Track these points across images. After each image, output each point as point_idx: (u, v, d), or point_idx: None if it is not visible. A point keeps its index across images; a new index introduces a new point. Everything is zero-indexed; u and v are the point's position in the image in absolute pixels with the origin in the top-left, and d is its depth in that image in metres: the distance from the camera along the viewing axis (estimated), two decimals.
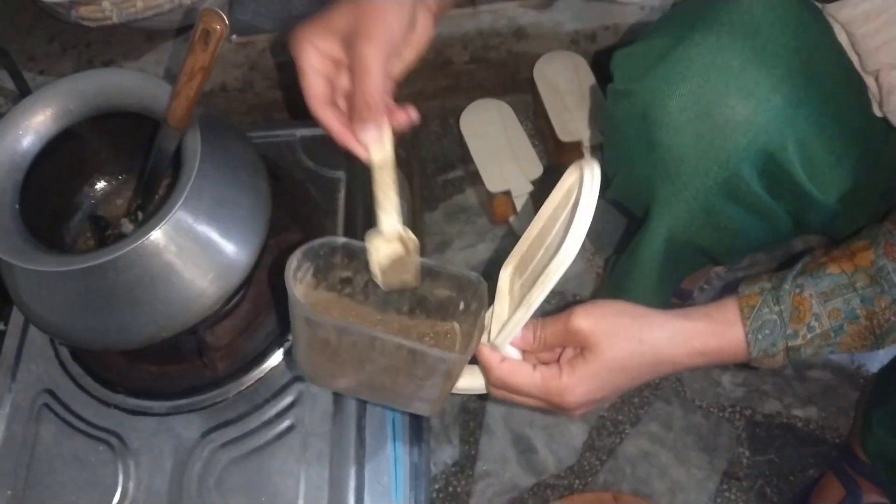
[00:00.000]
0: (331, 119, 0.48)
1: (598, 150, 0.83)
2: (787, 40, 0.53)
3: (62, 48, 0.99)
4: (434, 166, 0.97)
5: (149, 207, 0.65)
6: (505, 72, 0.94)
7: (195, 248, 0.59)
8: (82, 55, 0.98)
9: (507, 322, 0.48)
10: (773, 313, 0.47)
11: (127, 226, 0.66)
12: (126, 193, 0.71)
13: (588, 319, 0.47)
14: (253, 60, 0.93)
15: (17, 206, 0.59)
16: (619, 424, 0.82)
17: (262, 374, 0.70)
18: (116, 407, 0.69)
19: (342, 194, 0.79)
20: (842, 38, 0.56)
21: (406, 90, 0.97)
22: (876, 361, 0.86)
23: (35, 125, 0.60)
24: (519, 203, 0.82)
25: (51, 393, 0.71)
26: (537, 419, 0.81)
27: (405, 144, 0.97)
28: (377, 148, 0.49)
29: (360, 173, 0.80)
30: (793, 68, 0.52)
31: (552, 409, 0.50)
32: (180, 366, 0.69)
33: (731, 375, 0.85)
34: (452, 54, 0.92)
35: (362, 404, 0.68)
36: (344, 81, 0.49)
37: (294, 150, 0.82)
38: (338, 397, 0.68)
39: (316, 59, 0.48)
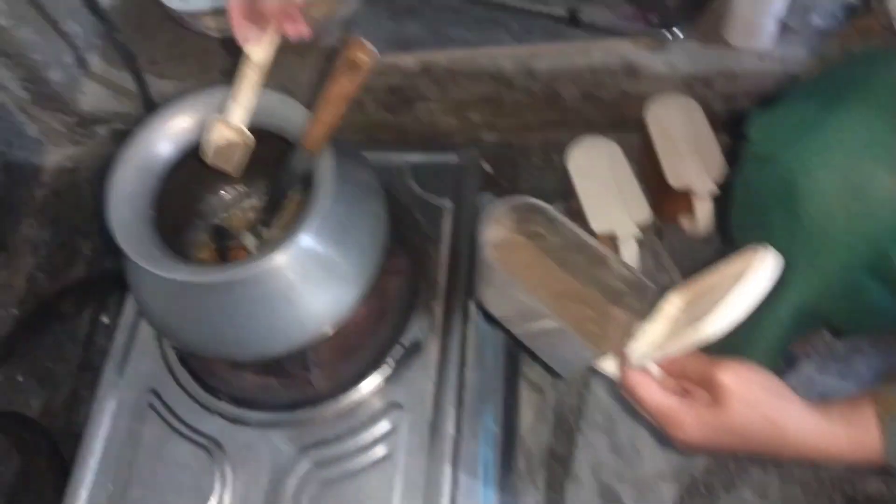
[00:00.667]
0: (235, 7, 0.54)
1: (709, 201, 0.81)
2: None
3: (183, 54, 1.02)
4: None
5: (271, 224, 0.67)
6: (614, 110, 0.93)
7: (318, 270, 0.60)
8: (201, 61, 1.01)
9: (657, 342, 0.51)
10: None
11: (249, 239, 0.68)
12: (246, 204, 0.73)
13: (733, 379, 0.47)
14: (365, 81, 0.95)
15: (151, 212, 0.61)
16: (713, 488, 0.80)
17: (360, 397, 0.71)
18: (219, 414, 0.71)
19: (448, 222, 0.80)
20: None
21: (511, 121, 0.97)
22: None
23: (174, 133, 0.62)
24: (623, 246, 0.81)
25: (156, 393, 0.73)
26: (627, 473, 0.80)
27: (506, 175, 0.98)
28: (257, 48, 0.57)
29: (468, 203, 0.81)
30: None
31: (661, 428, 0.51)
32: (284, 379, 0.70)
33: None
34: (561, 89, 0.92)
35: (457, 442, 0.68)
36: None
37: (403, 174, 0.83)
38: (433, 430, 0.68)
39: None
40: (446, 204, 0.81)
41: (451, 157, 0.84)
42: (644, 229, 0.83)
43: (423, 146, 0.86)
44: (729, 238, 0.73)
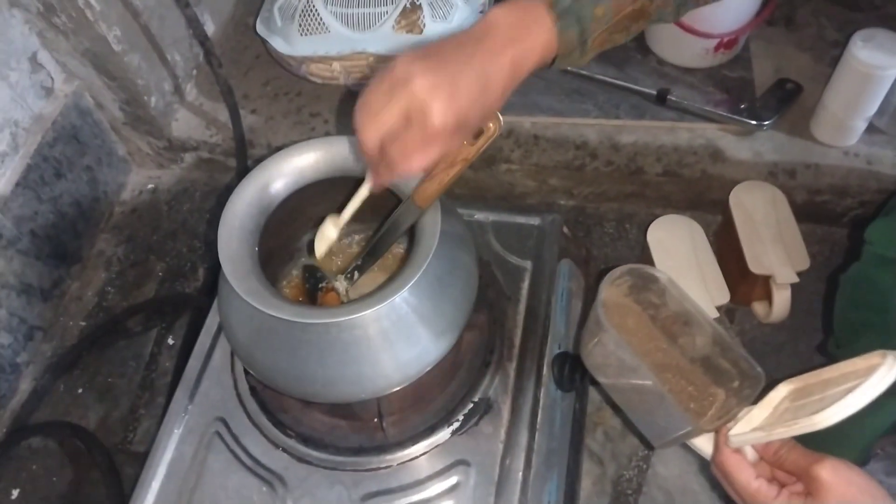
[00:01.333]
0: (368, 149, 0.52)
1: (788, 289, 0.81)
2: None
3: (275, 93, 1.06)
4: (604, 266, 0.97)
5: (367, 270, 0.68)
6: (694, 190, 0.94)
7: (410, 323, 0.60)
8: (293, 102, 1.04)
9: (759, 427, 0.51)
10: None
11: (340, 284, 0.69)
12: (338, 248, 0.75)
13: (832, 475, 0.47)
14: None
15: (256, 249, 0.62)
16: None
17: (428, 449, 0.70)
18: (285, 450, 0.71)
19: (526, 283, 0.80)
20: None
21: (589, 189, 0.99)
22: None
23: (290, 173, 0.64)
24: None
25: (224, 422, 0.74)
26: None
27: (582, 241, 0.99)
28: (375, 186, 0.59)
29: (547, 266, 0.81)
30: None
31: None
32: (354, 423, 0.71)
33: None
34: (645, 164, 0.94)
35: (522, 502, 0.67)
36: None
37: (485, 232, 0.84)
38: (499, 491, 0.67)
39: None
40: (526, 265, 0.81)
41: (533, 219, 0.85)
42: (719, 310, 0.83)
43: (505, 207, 0.88)
44: (829, 328, 0.72)
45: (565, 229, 0.88)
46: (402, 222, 0.62)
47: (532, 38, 0.53)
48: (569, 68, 0.99)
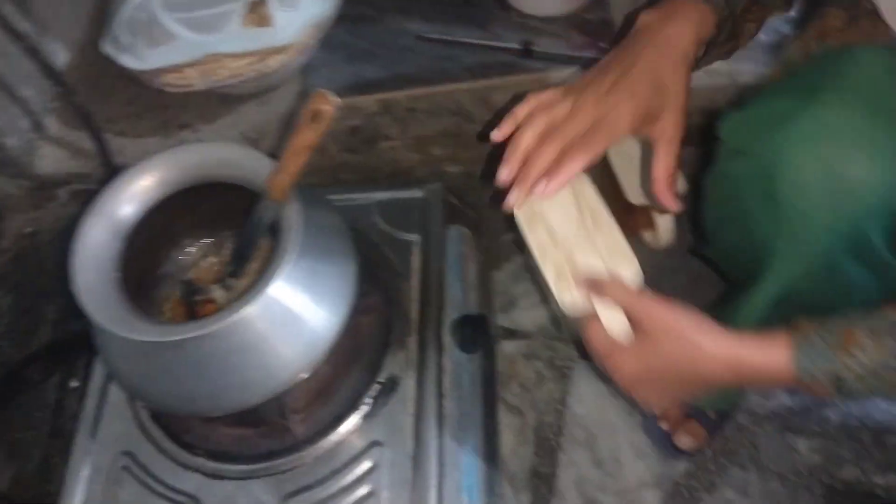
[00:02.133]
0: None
1: (670, 213, 0.83)
2: None
3: (139, 111, 1.02)
4: (499, 227, 0.98)
5: (240, 275, 0.67)
6: None
7: (288, 318, 0.60)
8: (159, 117, 1.01)
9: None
10: (820, 339, 0.49)
11: (218, 292, 0.67)
12: (213, 256, 0.73)
13: (658, 311, 0.53)
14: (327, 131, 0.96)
15: (117, 274, 0.60)
16: (694, 491, 0.80)
17: (340, 439, 0.70)
18: (196, 470, 0.70)
19: (416, 256, 0.81)
20: None
21: (473, 153, 0.99)
22: None
23: (137, 194, 0.62)
24: None
25: (130, 455, 0.72)
26: (610, 485, 0.80)
27: (471, 205, 0.99)
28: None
29: (435, 236, 0.81)
30: None
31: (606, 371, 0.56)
32: (260, 429, 0.70)
33: (807, 440, 0.83)
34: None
35: (440, 474, 0.68)
36: None
37: (370, 212, 0.84)
38: (416, 464, 0.68)
39: None
40: (414, 238, 0.82)
41: (415, 192, 0.85)
42: None
43: (388, 183, 0.88)
44: (702, 235, 0.75)
45: (451, 196, 0.89)
46: (263, 219, 0.61)
47: (682, 21, 0.57)
48: (433, 35, 0.99)
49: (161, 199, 0.63)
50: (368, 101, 0.97)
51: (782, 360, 0.50)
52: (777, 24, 0.91)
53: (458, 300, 0.79)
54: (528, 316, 0.91)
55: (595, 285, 0.56)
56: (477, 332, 0.77)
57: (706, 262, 0.90)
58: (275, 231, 0.60)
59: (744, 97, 0.64)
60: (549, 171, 0.56)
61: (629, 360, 0.54)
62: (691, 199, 0.74)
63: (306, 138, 0.57)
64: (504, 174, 0.57)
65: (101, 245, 0.60)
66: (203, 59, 0.87)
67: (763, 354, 0.51)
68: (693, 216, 0.77)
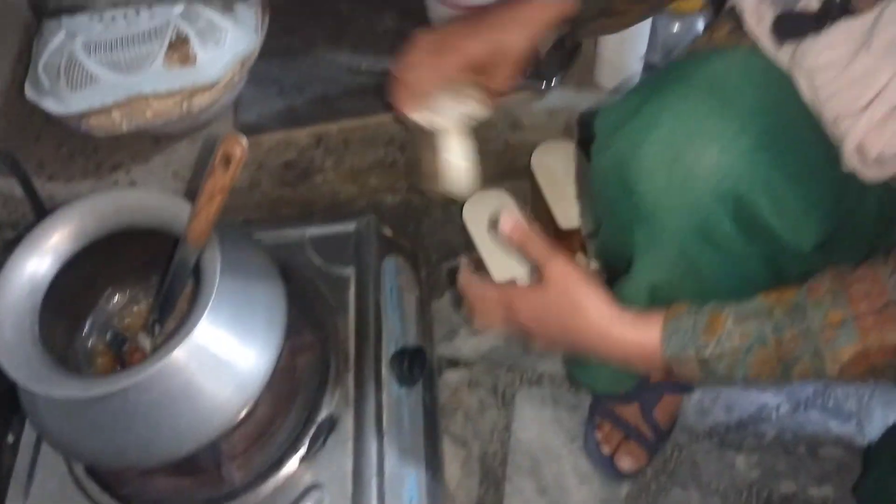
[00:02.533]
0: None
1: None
2: (752, 93, 0.57)
3: (70, 153, 1.01)
4: (438, 254, 0.98)
5: (166, 321, 0.66)
6: (502, 162, 0.97)
7: (215, 362, 0.59)
8: (90, 160, 0.99)
9: None
10: (689, 321, 0.52)
11: (144, 340, 0.66)
12: (140, 304, 0.72)
13: (557, 268, 0.57)
14: (260, 160, 0.96)
15: (36, 329, 0.59)
16: None
17: (278, 483, 0.69)
18: None
19: (352, 291, 0.80)
20: (805, 89, 0.59)
21: (409, 182, 1.00)
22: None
23: (54, 246, 0.61)
24: None
25: None
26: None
27: (410, 234, 0.99)
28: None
29: (369, 269, 0.81)
30: (757, 118, 0.56)
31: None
32: (197, 478, 0.68)
33: (744, 456, 0.85)
34: None
35: None
36: None
37: (303, 248, 0.83)
38: None
39: None
40: (349, 272, 0.81)
41: (349, 226, 0.85)
42: None
43: (322, 218, 0.87)
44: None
45: (385, 228, 0.89)
46: (184, 264, 0.61)
47: None
48: (361, 66, 1.00)
49: (78, 249, 0.62)
50: (301, 134, 0.97)
51: (654, 340, 0.53)
52: (695, 27, 0.94)
53: (396, 333, 0.79)
54: (469, 344, 0.91)
55: (514, 229, 0.61)
56: (415, 365, 0.76)
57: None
58: (197, 276, 0.60)
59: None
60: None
61: (524, 307, 0.59)
62: None
63: (219, 182, 0.56)
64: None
65: (19, 302, 0.59)
66: (127, 100, 0.86)
67: (636, 331, 0.54)
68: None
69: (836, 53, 0.53)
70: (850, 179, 0.60)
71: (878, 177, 0.57)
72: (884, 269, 0.48)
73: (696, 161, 0.55)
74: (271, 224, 0.93)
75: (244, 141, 0.55)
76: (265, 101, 0.99)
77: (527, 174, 0.92)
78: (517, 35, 0.65)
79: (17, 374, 0.55)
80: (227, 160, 0.56)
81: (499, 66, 0.66)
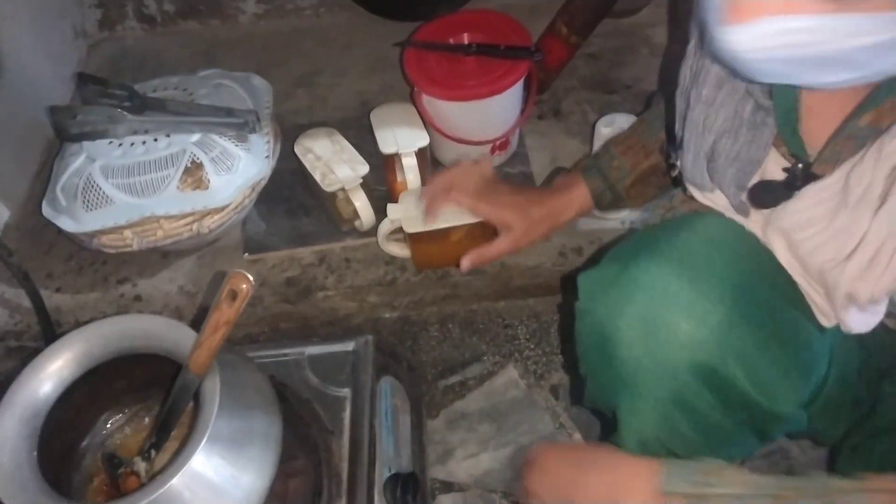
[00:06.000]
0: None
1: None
2: (723, 264, 0.60)
3: (79, 266, 1.04)
4: (434, 372, 0.99)
5: (163, 446, 0.66)
6: (498, 281, 1.00)
7: (210, 490, 0.59)
8: (98, 273, 1.03)
9: None
10: (685, 465, 0.57)
11: (140, 465, 0.67)
12: (138, 424, 0.73)
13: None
14: (263, 276, 0.99)
15: (34, 454, 0.60)
16: None
17: None
18: None
19: (347, 412, 0.81)
20: (782, 246, 0.63)
21: (408, 299, 1.02)
22: None
23: (58, 371, 0.63)
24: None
25: None
26: None
27: (407, 350, 1.01)
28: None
29: (365, 390, 0.82)
30: (728, 289, 0.59)
31: None
32: None
33: None
34: (450, 269, 0.98)
35: None
36: None
37: (302, 367, 0.85)
38: None
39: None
40: (345, 393, 0.82)
41: (347, 345, 0.87)
42: None
43: (321, 337, 0.89)
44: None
45: (383, 347, 0.90)
46: (184, 392, 0.62)
47: (571, 193, 0.82)
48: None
49: (81, 374, 0.63)
50: (305, 252, 1.01)
51: (650, 475, 0.56)
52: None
53: (389, 457, 0.79)
54: (463, 467, 0.91)
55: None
56: (408, 492, 0.76)
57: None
58: (197, 402, 0.61)
59: (602, 252, 0.71)
60: None
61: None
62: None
63: (223, 315, 0.59)
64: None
65: (18, 427, 0.60)
66: (140, 221, 0.90)
67: (633, 457, 0.60)
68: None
69: (812, 212, 0.57)
70: (829, 335, 0.63)
71: (865, 326, 0.60)
72: None
73: (671, 336, 0.58)
74: (271, 341, 0.95)
75: (251, 278, 0.58)
76: (273, 220, 1.04)
77: (528, 293, 0.95)
78: (541, 213, 0.80)
79: (13, 502, 0.56)
80: (233, 295, 0.58)
81: (519, 229, 0.79)
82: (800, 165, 0.57)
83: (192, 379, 0.61)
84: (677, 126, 0.66)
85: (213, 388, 0.60)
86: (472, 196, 0.80)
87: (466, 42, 0.99)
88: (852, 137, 0.52)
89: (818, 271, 0.60)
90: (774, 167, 0.59)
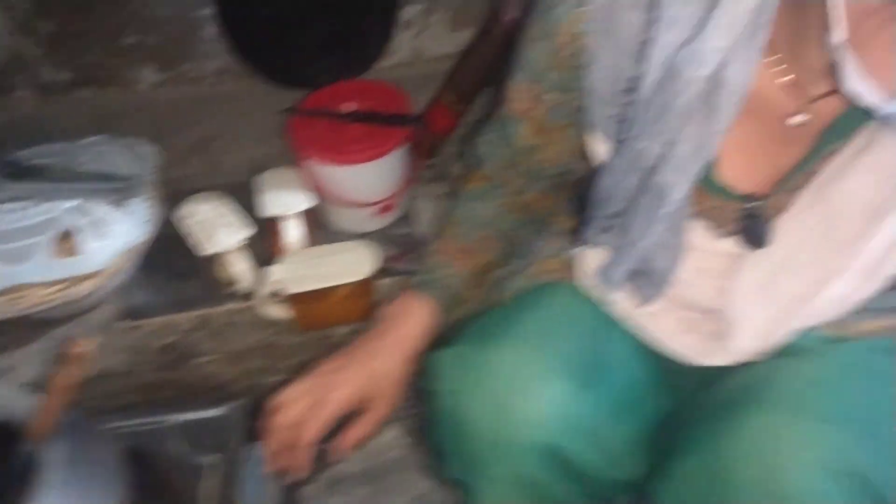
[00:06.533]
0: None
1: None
2: (572, 346, 0.62)
3: None
4: None
5: None
6: None
7: None
8: None
9: None
10: None
11: None
12: None
13: None
14: (140, 344, 0.97)
15: None
16: None
17: None
18: None
19: (217, 480, 0.80)
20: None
21: (290, 361, 1.02)
22: None
23: None
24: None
25: None
26: None
27: None
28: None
29: (234, 458, 0.82)
30: (577, 368, 0.61)
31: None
32: None
33: None
34: (333, 328, 1.00)
35: None
36: None
37: (170, 435, 0.84)
38: None
39: None
40: (211, 461, 0.81)
41: (220, 411, 0.86)
42: None
43: (192, 404, 0.88)
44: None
45: (259, 412, 0.90)
46: (23, 459, 0.61)
47: (412, 319, 0.71)
48: None
49: None
50: (186, 317, 1.00)
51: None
52: None
53: None
54: None
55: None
56: None
57: None
58: (32, 469, 0.60)
59: (455, 329, 0.71)
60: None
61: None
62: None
63: (65, 380, 0.59)
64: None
65: None
66: (10, 288, 0.89)
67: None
68: None
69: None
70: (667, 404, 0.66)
71: (727, 360, 0.63)
72: None
73: (517, 417, 0.59)
74: (145, 410, 0.93)
75: (91, 341, 0.59)
76: (153, 285, 1.02)
77: None
78: (390, 362, 0.69)
79: None
80: (73, 360, 0.58)
81: (379, 397, 0.69)
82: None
83: (31, 445, 0.60)
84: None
85: (52, 455, 0.59)
86: (327, 424, 0.69)
87: (351, 110, 1.04)
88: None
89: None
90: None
